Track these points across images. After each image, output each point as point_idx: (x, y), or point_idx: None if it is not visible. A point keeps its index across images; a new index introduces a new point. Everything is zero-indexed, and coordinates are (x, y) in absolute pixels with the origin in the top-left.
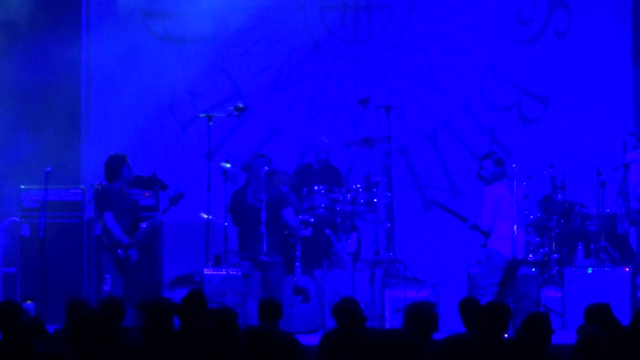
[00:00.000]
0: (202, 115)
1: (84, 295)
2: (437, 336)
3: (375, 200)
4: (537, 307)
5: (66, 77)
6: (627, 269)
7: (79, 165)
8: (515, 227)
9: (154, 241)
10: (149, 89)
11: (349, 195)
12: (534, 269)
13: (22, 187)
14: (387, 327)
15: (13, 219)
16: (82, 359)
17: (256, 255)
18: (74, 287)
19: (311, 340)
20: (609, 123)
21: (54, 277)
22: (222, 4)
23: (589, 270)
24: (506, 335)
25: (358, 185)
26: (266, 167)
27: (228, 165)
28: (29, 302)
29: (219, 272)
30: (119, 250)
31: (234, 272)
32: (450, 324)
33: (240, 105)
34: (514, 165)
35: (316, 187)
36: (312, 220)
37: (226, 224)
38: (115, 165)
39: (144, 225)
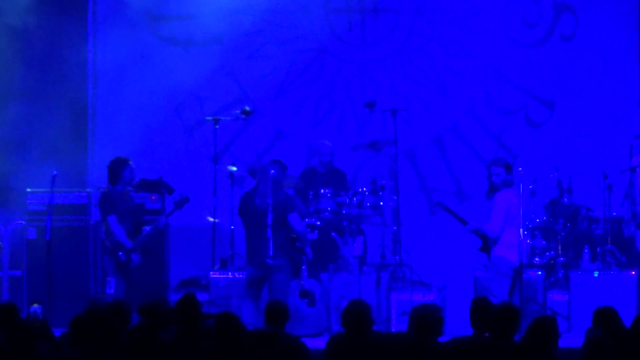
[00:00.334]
0: (209, 118)
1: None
2: (442, 339)
3: (381, 203)
4: (543, 310)
5: (73, 80)
6: (634, 273)
7: (85, 168)
8: (521, 231)
9: (160, 244)
10: (156, 92)
11: (355, 199)
12: (540, 273)
13: (29, 190)
14: (393, 330)
15: (19, 222)
16: None
17: (262, 258)
18: (81, 290)
19: (317, 343)
20: (616, 126)
21: (60, 280)
22: (228, 7)
23: (595, 274)
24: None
25: (364, 189)
26: (272, 170)
27: (234, 169)
28: (35, 305)
29: (225, 276)
30: (120, 253)
31: (240, 276)
32: (456, 328)
33: (247, 108)
34: (520, 168)
35: (322, 191)
36: (319, 223)
37: (232, 227)
38: (117, 168)
39: (147, 229)
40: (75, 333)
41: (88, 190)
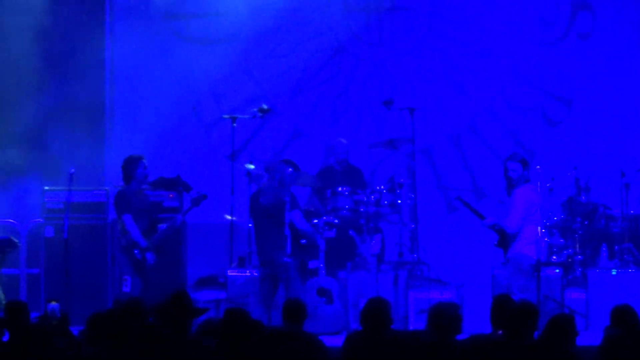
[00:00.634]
0: (226, 116)
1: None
2: (460, 337)
3: (399, 201)
4: (561, 308)
5: (90, 78)
6: None
7: (102, 166)
8: (539, 228)
9: (178, 242)
10: (173, 90)
11: (372, 197)
12: (557, 271)
13: (46, 188)
14: (411, 328)
15: (37, 220)
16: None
17: (269, 256)
18: (98, 288)
19: (335, 341)
20: (633, 124)
21: (78, 278)
22: (246, 5)
23: (613, 272)
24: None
25: (382, 187)
26: (290, 168)
27: (252, 167)
28: (53, 303)
29: (243, 274)
30: (136, 251)
31: (257, 274)
32: (474, 326)
33: (264, 106)
34: (538, 166)
35: (340, 189)
36: (336, 221)
37: (250, 225)
38: (130, 167)
39: (163, 227)
40: (94, 331)
41: (105, 188)
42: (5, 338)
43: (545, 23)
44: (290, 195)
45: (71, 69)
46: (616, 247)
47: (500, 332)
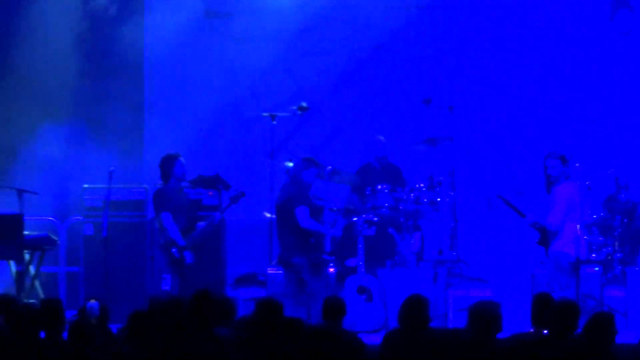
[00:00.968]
0: (266, 114)
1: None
2: (499, 336)
3: (438, 199)
4: (600, 306)
5: (129, 76)
6: None
7: (141, 164)
8: (578, 226)
9: (217, 240)
10: (212, 88)
11: (412, 195)
12: (597, 269)
13: (85, 186)
14: (450, 326)
15: (76, 218)
16: (143, 358)
17: (284, 255)
18: (137, 286)
19: (374, 339)
20: None
21: (117, 276)
22: (285, 3)
23: None
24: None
25: (422, 185)
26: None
27: (291, 165)
28: (92, 301)
29: (283, 272)
30: (174, 250)
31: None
32: (513, 324)
33: (304, 104)
34: (577, 164)
35: (380, 187)
36: (376, 219)
37: None
38: (167, 165)
39: (201, 225)
40: (134, 329)
41: (145, 186)
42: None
43: (584, 20)
44: (297, 192)
45: (110, 67)
46: None
47: (541, 330)
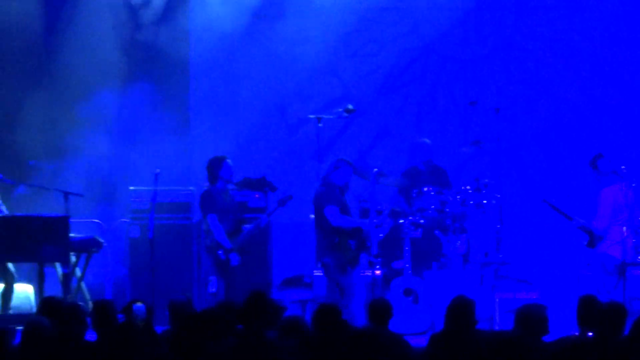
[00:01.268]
0: (312, 116)
1: (185, 298)
2: (546, 339)
3: (484, 201)
4: None
5: (175, 79)
6: None
7: (188, 166)
8: (624, 229)
9: (263, 242)
10: (259, 90)
11: (458, 197)
12: None
13: (132, 188)
14: (497, 329)
15: (122, 220)
16: None
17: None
18: (184, 288)
19: (421, 342)
20: None
21: (163, 278)
22: (332, 5)
23: None
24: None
25: (468, 187)
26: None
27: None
28: (139, 303)
29: None
30: (220, 252)
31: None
32: (559, 327)
33: (350, 106)
34: (623, 166)
35: (426, 189)
36: (422, 221)
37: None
38: (214, 167)
39: (248, 228)
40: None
41: (191, 188)
42: (93, 338)
43: (630, 22)
44: (325, 192)
45: (156, 68)
46: None
47: (588, 333)
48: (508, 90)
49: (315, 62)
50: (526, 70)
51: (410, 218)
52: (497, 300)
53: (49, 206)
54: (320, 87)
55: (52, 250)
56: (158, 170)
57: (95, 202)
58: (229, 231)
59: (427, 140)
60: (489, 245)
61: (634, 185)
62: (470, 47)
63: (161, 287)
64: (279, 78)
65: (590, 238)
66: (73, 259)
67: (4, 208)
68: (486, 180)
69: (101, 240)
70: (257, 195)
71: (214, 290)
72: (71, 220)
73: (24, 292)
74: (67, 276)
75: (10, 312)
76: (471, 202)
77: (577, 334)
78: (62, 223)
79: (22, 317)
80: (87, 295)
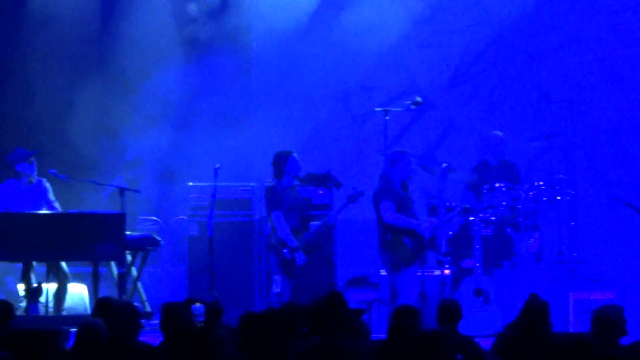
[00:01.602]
0: (378, 109)
1: (213, 298)
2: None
3: (558, 197)
4: None
5: (235, 72)
6: None
7: (248, 161)
8: None
9: (328, 240)
10: (322, 82)
11: (531, 193)
12: None
13: (190, 183)
14: (571, 330)
15: (181, 217)
16: None
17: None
18: (244, 288)
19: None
20: None
21: (223, 278)
22: None
23: None
24: None
25: (540, 183)
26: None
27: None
28: (197, 304)
29: None
30: (285, 251)
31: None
32: (637, 329)
33: (418, 99)
34: None
35: (497, 185)
36: (493, 218)
37: None
38: (280, 162)
39: (315, 225)
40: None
41: (252, 183)
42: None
43: None
44: (382, 186)
45: (216, 62)
46: None
47: None
48: (582, 82)
49: (381, 53)
50: (601, 61)
51: (481, 215)
52: (571, 300)
53: (104, 203)
54: (386, 78)
55: (107, 249)
56: (218, 165)
57: (152, 198)
58: (295, 229)
59: (499, 133)
60: (562, 243)
61: None
62: (543, 37)
63: (220, 287)
64: (343, 69)
65: None
66: (129, 258)
67: (57, 205)
68: (560, 176)
69: (158, 238)
70: (320, 191)
71: (278, 289)
72: (127, 217)
73: (78, 293)
74: (123, 276)
75: (64, 313)
76: (544, 199)
77: None
78: (117, 220)
79: (76, 318)
80: (144, 296)
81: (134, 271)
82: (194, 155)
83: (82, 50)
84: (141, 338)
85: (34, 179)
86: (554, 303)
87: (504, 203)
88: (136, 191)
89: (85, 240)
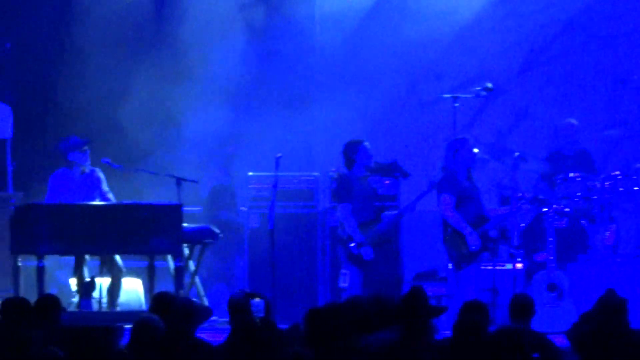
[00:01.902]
0: (447, 95)
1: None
2: None
3: (635, 188)
4: None
5: (297, 60)
6: None
7: (311, 150)
8: None
9: (394, 233)
10: (388, 68)
11: (607, 183)
12: None
13: (250, 173)
14: None
15: (241, 208)
16: None
17: None
18: (307, 283)
19: (566, 341)
20: None
21: (285, 272)
22: None
23: None
24: None
25: (617, 172)
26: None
27: (475, 151)
28: (257, 299)
29: None
30: (352, 245)
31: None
32: None
33: (489, 85)
34: None
35: (571, 175)
36: (568, 210)
37: None
38: (351, 151)
39: (389, 216)
40: (310, 330)
41: (315, 173)
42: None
43: None
44: (442, 178)
45: (278, 49)
46: None
47: None
48: None
49: (449, 38)
50: None
51: (555, 206)
52: None
53: (160, 194)
54: (455, 64)
55: (163, 242)
56: (280, 155)
57: (210, 189)
58: (369, 220)
59: (573, 121)
60: None
61: None
62: (618, 20)
63: (282, 281)
64: (410, 55)
65: None
66: (186, 251)
67: (111, 196)
68: (637, 165)
69: (217, 230)
70: (387, 182)
71: (345, 284)
72: (184, 209)
73: (133, 288)
74: (180, 270)
75: (118, 309)
76: (620, 189)
77: None
78: (174, 212)
79: (130, 314)
80: (202, 291)
81: (192, 265)
82: (253, 144)
83: (138, 35)
84: (198, 335)
85: (87, 168)
86: (632, 299)
87: (578, 194)
88: (194, 181)
89: (141, 232)
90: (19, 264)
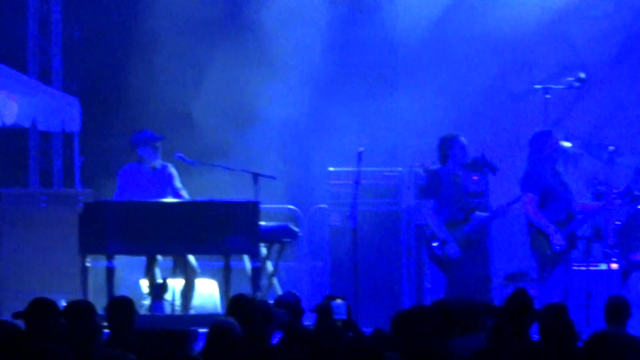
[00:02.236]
0: (538, 86)
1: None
2: None
3: None
4: None
5: (377, 52)
6: None
7: (395, 144)
8: None
9: (482, 233)
10: (475, 59)
11: None
12: None
13: (331, 169)
14: None
15: (321, 206)
16: None
17: None
18: (391, 284)
19: None
20: None
21: (368, 272)
22: None
23: None
24: None
25: None
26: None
27: (568, 145)
28: (339, 301)
29: None
30: (435, 244)
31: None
32: None
33: (582, 75)
34: None
35: None
36: None
37: None
38: (445, 146)
39: (476, 219)
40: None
41: (399, 169)
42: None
43: None
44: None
45: (359, 41)
46: None
47: None
48: None
49: (540, 25)
50: None
51: None
52: None
53: (236, 190)
54: (546, 53)
55: (239, 241)
56: (362, 149)
57: (289, 185)
58: (455, 219)
59: None
60: None
61: None
62: None
63: (365, 282)
64: (498, 43)
65: None
66: (263, 250)
67: (184, 193)
68: None
69: (296, 229)
70: (475, 177)
71: (428, 285)
72: (262, 206)
73: (208, 290)
74: (257, 270)
75: (191, 312)
76: None
77: None
78: (251, 209)
79: (205, 317)
80: (279, 292)
81: (270, 265)
82: (334, 137)
83: (213, 21)
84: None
85: (158, 164)
86: None
87: None
88: (271, 177)
89: (216, 231)
90: (88, 264)
